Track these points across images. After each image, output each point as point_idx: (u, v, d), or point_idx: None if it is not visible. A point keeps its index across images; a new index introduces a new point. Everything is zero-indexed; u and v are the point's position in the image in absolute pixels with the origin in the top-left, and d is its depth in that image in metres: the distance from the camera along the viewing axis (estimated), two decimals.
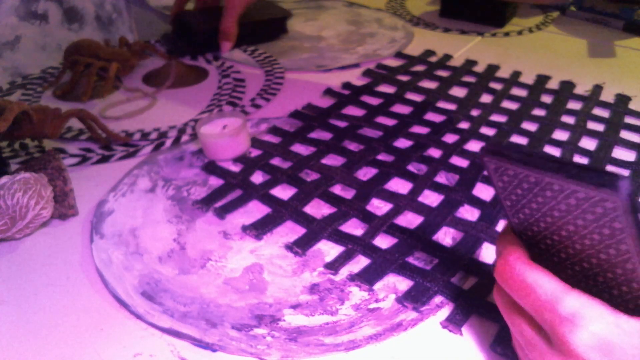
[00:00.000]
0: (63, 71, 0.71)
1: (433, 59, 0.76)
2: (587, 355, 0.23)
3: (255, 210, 0.47)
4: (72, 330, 0.36)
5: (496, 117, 0.61)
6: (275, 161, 0.54)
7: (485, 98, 0.65)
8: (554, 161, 0.22)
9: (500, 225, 0.44)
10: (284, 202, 0.47)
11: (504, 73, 0.71)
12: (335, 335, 0.35)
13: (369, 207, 0.47)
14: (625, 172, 0.50)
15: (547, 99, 0.64)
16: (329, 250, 0.43)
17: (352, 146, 0.56)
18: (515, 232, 0.29)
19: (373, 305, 0.38)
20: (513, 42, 0.82)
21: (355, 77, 0.72)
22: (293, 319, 0.37)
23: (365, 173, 0.52)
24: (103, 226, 0.45)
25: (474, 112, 0.62)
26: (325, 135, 0.58)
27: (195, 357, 0.34)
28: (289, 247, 0.43)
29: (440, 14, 0.93)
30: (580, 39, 0.82)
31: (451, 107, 0.63)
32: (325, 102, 0.65)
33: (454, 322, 0.36)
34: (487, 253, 0.42)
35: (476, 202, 0.47)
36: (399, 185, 0.50)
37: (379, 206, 0.47)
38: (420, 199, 0.48)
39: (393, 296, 0.38)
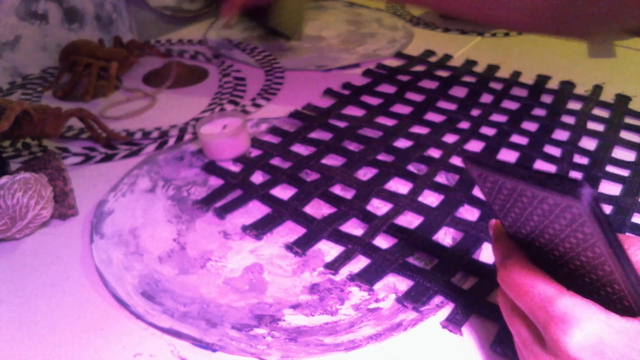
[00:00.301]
0: (62, 72, 0.71)
1: (433, 59, 0.76)
2: (579, 354, 0.23)
3: (255, 210, 0.47)
4: (72, 330, 0.36)
5: (496, 117, 0.61)
6: (275, 161, 0.54)
7: (485, 98, 0.65)
8: (525, 169, 0.24)
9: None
10: (284, 202, 0.48)
11: (504, 73, 0.71)
12: (335, 335, 0.35)
13: (369, 207, 0.47)
14: (626, 172, 0.50)
15: (547, 99, 0.64)
16: (329, 250, 0.43)
17: (352, 146, 0.56)
18: (509, 234, 0.29)
19: (373, 305, 0.38)
20: (513, 42, 0.82)
21: (355, 77, 0.72)
22: (293, 319, 0.37)
23: (365, 173, 0.52)
24: (103, 226, 0.45)
25: (474, 112, 0.62)
26: (325, 135, 0.58)
27: (195, 357, 0.34)
28: (289, 247, 0.43)
29: (440, 14, 0.93)
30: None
31: (451, 107, 0.63)
32: (325, 102, 0.65)
33: (454, 322, 0.36)
34: (487, 253, 0.42)
35: (476, 202, 0.47)
36: (399, 185, 0.50)
37: (379, 206, 0.47)
38: (420, 199, 0.48)
39: (393, 296, 0.38)
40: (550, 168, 0.52)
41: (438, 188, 0.49)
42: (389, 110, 0.63)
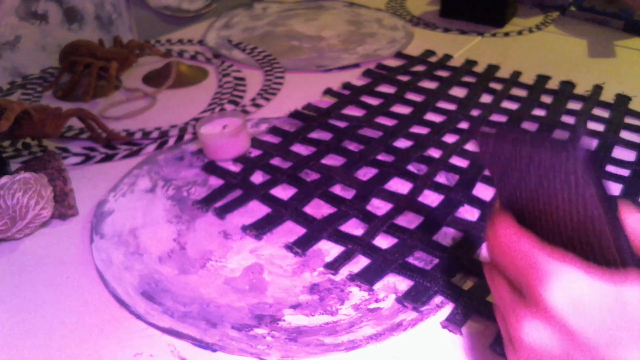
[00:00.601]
0: (62, 73, 0.71)
1: (433, 59, 0.76)
2: (559, 309, 0.23)
3: (255, 210, 0.47)
4: (72, 330, 0.36)
5: (496, 117, 0.61)
6: (275, 161, 0.54)
7: (485, 98, 0.65)
8: (524, 131, 0.26)
9: None
10: (284, 202, 0.47)
11: (504, 73, 0.71)
12: (335, 335, 0.35)
13: (369, 207, 0.47)
14: (626, 172, 0.50)
15: (547, 99, 0.64)
16: (329, 250, 0.43)
17: (352, 146, 0.56)
18: (505, 207, 0.30)
19: (373, 305, 0.38)
20: (513, 42, 0.82)
21: (355, 77, 0.72)
22: (293, 319, 0.37)
23: (365, 173, 0.52)
24: (103, 226, 0.45)
25: (474, 112, 0.62)
26: (325, 135, 0.58)
27: (195, 357, 0.34)
28: (289, 247, 0.43)
29: (440, 14, 0.93)
30: (580, 39, 0.82)
31: (451, 107, 0.63)
32: (325, 102, 0.65)
33: (454, 322, 0.36)
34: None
35: (476, 202, 0.47)
36: (399, 185, 0.50)
37: (379, 206, 0.47)
38: (420, 199, 0.48)
39: (393, 296, 0.38)
40: None
41: (438, 188, 0.49)
42: (389, 110, 0.63)
